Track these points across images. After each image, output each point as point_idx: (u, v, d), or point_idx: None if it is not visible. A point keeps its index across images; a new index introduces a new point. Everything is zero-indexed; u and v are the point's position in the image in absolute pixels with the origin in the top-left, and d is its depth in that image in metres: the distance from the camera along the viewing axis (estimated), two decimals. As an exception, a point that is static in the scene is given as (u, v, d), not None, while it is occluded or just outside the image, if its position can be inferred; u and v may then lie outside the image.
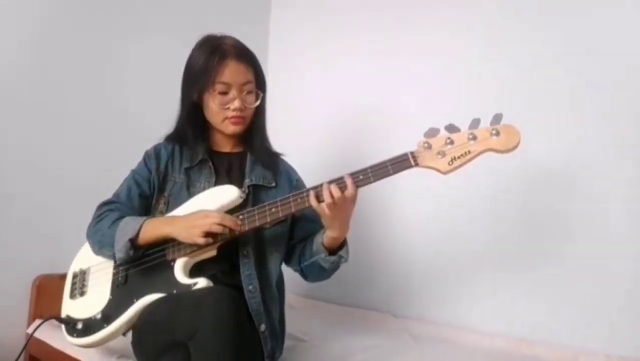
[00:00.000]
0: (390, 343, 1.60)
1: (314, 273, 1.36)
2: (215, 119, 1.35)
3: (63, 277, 1.39)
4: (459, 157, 1.11)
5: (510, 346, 1.58)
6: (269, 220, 1.22)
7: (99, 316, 1.24)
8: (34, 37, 1.76)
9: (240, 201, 1.28)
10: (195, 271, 1.25)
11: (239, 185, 1.32)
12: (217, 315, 1.04)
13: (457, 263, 1.81)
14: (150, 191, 1.38)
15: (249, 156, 1.40)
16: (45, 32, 1.78)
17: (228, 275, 1.29)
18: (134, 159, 1.43)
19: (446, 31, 1.89)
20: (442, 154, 1.12)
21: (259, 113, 1.39)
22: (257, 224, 1.22)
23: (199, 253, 1.24)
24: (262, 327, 1.27)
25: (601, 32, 1.56)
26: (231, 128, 1.35)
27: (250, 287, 1.28)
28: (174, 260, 1.24)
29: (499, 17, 1.77)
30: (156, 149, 1.42)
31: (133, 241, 1.23)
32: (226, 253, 1.28)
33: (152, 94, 1.81)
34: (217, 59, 1.29)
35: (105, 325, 1.22)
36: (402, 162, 1.15)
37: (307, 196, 1.20)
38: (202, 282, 1.18)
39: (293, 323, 1.45)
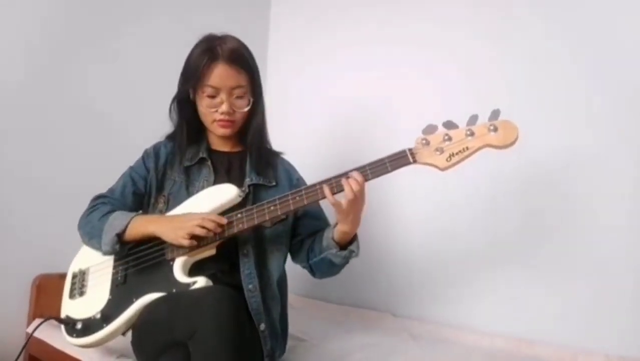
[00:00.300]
0: (389, 342, 1.60)
1: (323, 268, 1.35)
2: (205, 120, 1.36)
3: (63, 276, 1.39)
4: (457, 154, 1.11)
5: (510, 346, 1.58)
6: (267, 218, 1.22)
7: (98, 316, 1.24)
8: (24, 43, 1.76)
9: (239, 200, 1.28)
10: (194, 270, 1.25)
11: (239, 184, 1.32)
12: (216, 314, 1.04)
13: (457, 263, 1.80)
14: (145, 189, 1.39)
15: (249, 155, 1.40)
16: (34, 37, 1.78)
17: (228, 274, 1.29)
18: (133, 159, 1.44)
19: (449, 27, 1.89)
20: (440, 150, 1.12)
21: (257, 114, 1.38)
22: (256, 222, 1.22)
23: (197, 252, 1.25)
24: (262, 326, 1.27)
25: (604, 30, 1.56)
26: (220, 131, 1.35)
27: (250, 286, 1.28)
28: (173, 259, 1.24)
29: (500, 14, 1.77)
30: (156, 148, 1.43)
31: (120, 236, 1.25)
32: (226, 252, 1.28)
33: (152, 94, 1.81)
34: (206, 61, 1.29)
35: (104, 325, 1.22)
36: (400, 159, 1.16)
37: (306, 195, 1.20)
38: (201, 281, 1.18)
39: (293, 322, 1.45)
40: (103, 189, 1.42)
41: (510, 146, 1.10)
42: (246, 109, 1.35)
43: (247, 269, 1.29)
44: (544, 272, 1.62)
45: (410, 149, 1.16)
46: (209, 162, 1.38)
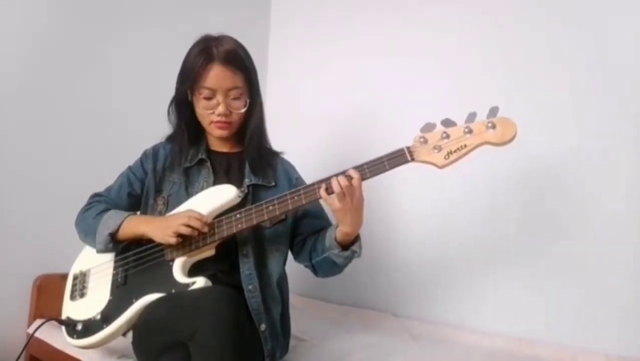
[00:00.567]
0: (390, 342, 1.60)
1: (325, 268, 1.34)
2: (203, 121, 1.36)
3: (64, 277, 1.39)
4: (455, 151, 1.10)
5: (510, 346, 1.57)
6: (266, 218, 1.22)
7: (98, 317, 1.24)
8: (22, 44, 1.76)
9: (239, 200, 1.28)
10: (194, 270, 1.26)
11: (238, 185, 1.32)
12: (216, 315, 1.04)
13: (457, 263, 1.80)
14: (141, 191, 1.41)
15: (247, 156, 1.40)
16: (34, 38, 1.78)
17: (228, 275, 1.30)
18: (134, 159, 1.45)
19: (445, 30, 1.90)
20: (439, 148, 1.12)
21: (255, 114, 1.38)
22: (255, 222, 1.22)
23: (197, 252, 1.25)
24: (262, 327, 1.27)
25: (602, 30, 1.56)
26: (217, 132, 1.36)
27: (250, 287, 1.28)
28: (172, 260, 1.25)
29: (498, 14, 1.78)
30: (154, 149, 1.44)
31: (113, 236, 1.27)
32: (226, 252, 1.29)
33: (152, 95, 1.82)
34: (202, 63, 1.28)
35: (104, 326, 1.23)
36: (398, 158, 1.15)
37: (304, 194, 1.20)
38: (200, 281, 1.19)
39: (293, 322, 1.44)
40: (102, 189, 1.44)
41: (508, 143, 1.10)
42: (243, 110, 1.34)
43: (247, 269, 1.29)
44: (544, 272, 1.62)
45: (408, 147, 1.16)
46: (208, 163, 1.38)
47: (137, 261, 1.28)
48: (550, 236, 1.62)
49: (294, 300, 1.85)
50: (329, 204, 1.18)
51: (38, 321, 1.54)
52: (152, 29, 2.07)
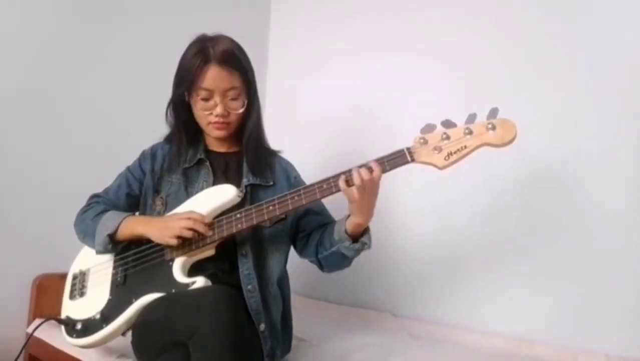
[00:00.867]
0: (389, 342, 1.60)
1: (334, 262, 1.33)
2: (201, 122, 1.36)
3: (63, 276, 1.39)
4: (455, 152, 1.10)
5: (510, 346, 1.57)
6: (266, 218, 1.22)
7: (98, 316, 1.25)
8: (22, 44, 1.76)
9: (238, 200, 1.28)
10: (194, 270, 1.25)
11: (236, 185, 1.31)
12: (216, 314, 1.04)
13: (457, 263, 1.80)
14: (139, 191, 1.41)
15: (245, 156, 1.39)
16: (33, 38, 1.78)
17: (227, 274, 1.30)
18: (133, 159, 1.45)
19: (445, 30, 1.90)
20: (439, 149, 1.12)
21: (252, 114, 1.38)
22: (255, 222, 1.22)
23: (196, 252, 1.25)
24: (262, 326, 1.27)
25: (602, 30, 1.56)
26: (215, 133, 1.35)
27: (249, 286, 1.28)
28: (172, 260, 1.24)
29: (498, 14, 1.78)
30: (153, 150, 1.43)
31: (111, 237, 1.27)
32: (225, 251, 1.29)
33: (152, 95, 1.82)
34: (199, 63, 1.27)
35: (104, 325, 1.23)
36: (398, 158, 1.15)
37: (304, 194, 1.19)
38: (200, 281, 1.19)
39: (293, 322, 1.45)
40: (102, 189, 1.44)
41: (508, 144, 1.10)
42: (241, 111, 1.34)
43: (246, 269, 1.29)
44: (544, 272, 1.62)
45: (408, 148, 1.15)
46: (208, 163, 1.38)
47: (136, 260, 1.28)
48: (550, 236, 1.62)
49: (294, 300, 1.85)
50: (348, 196, 1.17)
51: (37, 321, 1.54)
52: (152, 29, 2.07)
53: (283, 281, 1.40)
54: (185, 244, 1.24)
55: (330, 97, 2.22)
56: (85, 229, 1.34)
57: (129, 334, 1.25)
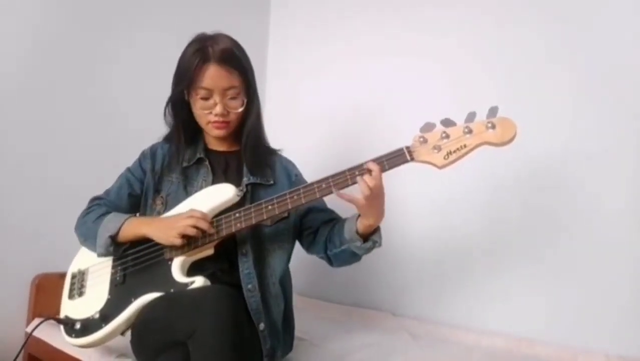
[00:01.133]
0: (389, 341, 1.60)
1: (344, 259, 1.33)
2: (200, 121, 1.36)
3: (62, 276, 1.39)
4: (454, 152, 1.10)
5: (510, 345, 1.57)
6: (265, 217, 1.22)
7: (97, 316, 1.24)
8: (22, 42, 1.76)
9: (237, 199, 1.28)
10: (194, 269, 1.25)
11: (237, 184, 1.31)
12: (215, 314, 1.04)
13: (457, 263, 1.80)
14: (141, 191, 1.40)
15: (244, 155, 1.39)
16: (33, 38, 1.78)
17: (227, 274, 1.29)
18: (133, 158, 1.44)
19: (444, 31, 1.90)
20: (438, 148, 1.12)
21: (252, 113, 1.37)
22: (254, 222, 1.22)
23: (195, 252, 1.25)
24: (261, 326, 1.27)
25: (602, 30, 1.56)
26: (215, 132, 1.35)
27: (249, 286, 1.28)
28: (171, 259, 1.24)
29: (498, 15, 1.78)
30: (152, 149, 1.43)
31: (113, 239, 1.26)
32: (225, 251, 1.28)
33: (152, 94, 1.82)
34: (198, 63, 1.27)
35: (103, 325, 1.22)
36: (397, 157, 1.15)
37: (304, 193, 1.19)
38: (199, 281, 1.18)
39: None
40: (102, 188, 1.43)
41: (508, 143, 1.09)
42: (240, 110, 1.34)
43: (246, 268, 1.29)
44: (544, 271, 1.62)
45: (407, 147, 1.15)
46: (207, 162, 1.38)
47: (135, 260, 1.28)
48: (550, 236, 1.62)
49: (294, 300, 1.85)
50: (354, 203, 1.16)
51: (36, 320, 1.54)
52: (152, 29, 2.07)
53: (285, 280, 1.40)
54: (184, 243, 1.23)
55: (330, 97, 2.21)
56: (86, 232, 1.33)
57: (128, 333, 1.24)
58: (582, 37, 1.59)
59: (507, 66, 1.73)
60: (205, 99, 1.30)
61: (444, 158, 1.11)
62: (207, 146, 1.42)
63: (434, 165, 1.13)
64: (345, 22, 2.22)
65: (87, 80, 1.90)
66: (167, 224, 1.23)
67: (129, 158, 1.44)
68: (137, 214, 1.39)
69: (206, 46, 1.28)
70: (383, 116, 2.02)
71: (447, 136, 1.11)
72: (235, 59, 1.30)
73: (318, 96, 2.28)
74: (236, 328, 1.04)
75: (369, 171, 1.14)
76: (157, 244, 1.26)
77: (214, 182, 1.35)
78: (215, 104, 1.30)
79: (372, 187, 1.12)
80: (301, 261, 1.51)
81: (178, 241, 1.21)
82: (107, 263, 1.32)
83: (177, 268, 1.23)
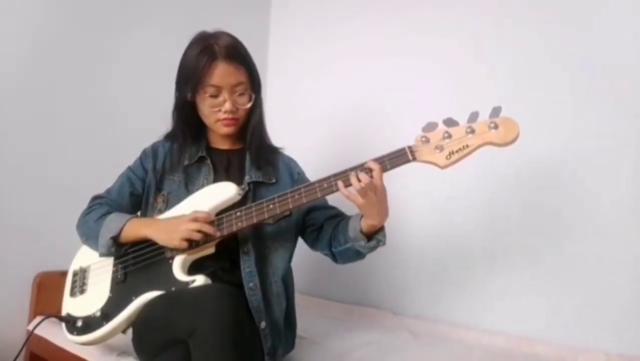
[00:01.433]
0: (390, 340, 1.60)
1: (348, 257, 1.33)
2: (208, 120, 1.35)
3: (64, 274, 1.39)
4: (457, 152, 1.09)
5: (511, 344, 1.57)
6: (267, 217, 1.22)
7: (98, 313, 1.24)
8: (22, 42, 1.76)
9: (239, 198, 1.28)
10: (195, 268, 1.25)
11: (239, 182, 1.31)
12: (216, 312, 1.04)
13: (457, 261, 1.80)
14: (142, 190, 1.40)
15: (248, 152, 1.39)
16: (33, 38, 1.78)
17: (228, 272, 1.29)
18: (134, 157, 1.44)
19: (445, 31, 1.90)
20: (440, 148, 1.11)
21: (255, 111, 1.37)
22: (255, 221, 1.22)
23: (197, 250, 1.25)
24: (263, 324, 1.27)
25: (602, 30, 1.56)
26: (224, 130, 1.34)
27: (250, 284, 1.28)
28: (172, 258, 1.24)
29: (497, 14, 1.77)
30: (154, 148, 1.43)
31: (115, 239, 1.27)
32: (226, 249, 1.28)
33: (153, 94, 1.82)
34: (206, 61, 1.27)
35: (104, 323, 1.23)
36: (399, 157, 1.15)
37: (305, 193, 1.19)
38: (200, 279, 1.19)
39: (294, 320, 1.45)
40: (103, 187, 1.43)
41: (511, 143, 1.09)
42: (249, 105, 1.34)
43: (247, 267, 1.29)
44: (544, 270, 1.62)
45: (410, 147, 1.15)
46: (209, 161, 1.38)
47: (136, 258, 1.28)
48: (551, 235, 1.62)
49: (295, 298, 1.86)
50: (352, 201, 1.15)
51: (38, 318, 1.54)
52: (152, 29, 2.07)
53: (287, 278, 1.39)
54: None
55: (330, 97, 2.21)
56: (88, 232, 1.33)
57: (130, 331, 1.25)
58: (583, 37, 1.59)
59: (508, 66, 1.73)
60: (214, 96, 1.30)
61: (447, 158, 1.10)
62: (209, 144, 1.42)
63: (437, 165, 1.12)
64: (345, 22, 2.22)
65: (88, 80, 1.90)
66: (170, 227, 1.23)
67: (130, 157, 1.44)
68: (139, 214, 1.39)
69: (211, 44, 1.28)
70: (383, 115, 2.02)
71: (450, 136, 1.11)
72: (241, 55, 1.31)
73: (318, 95, 2.27)
74: (237, 327, 1.04)
75: (370, 171, 1.14)
76: (149, 243, 1.26)
77: (215, 180, 1.35)
78: (225, 101, 1.30)
79: (365, 183, 1.11)
80: (302, 259, 1.51)
81: (184, 245, 1.21)
82: (108, 261, 1.32)
83: (178, 266, 1.23)
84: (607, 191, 1.53)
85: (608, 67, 1.54)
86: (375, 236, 1.25)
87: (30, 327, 1.58)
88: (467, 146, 1.10)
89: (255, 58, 1.37)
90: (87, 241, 1.35)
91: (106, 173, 1.44)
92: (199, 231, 1.20)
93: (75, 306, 1.30)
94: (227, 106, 1.30)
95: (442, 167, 1.12)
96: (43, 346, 1.54)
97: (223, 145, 1.42)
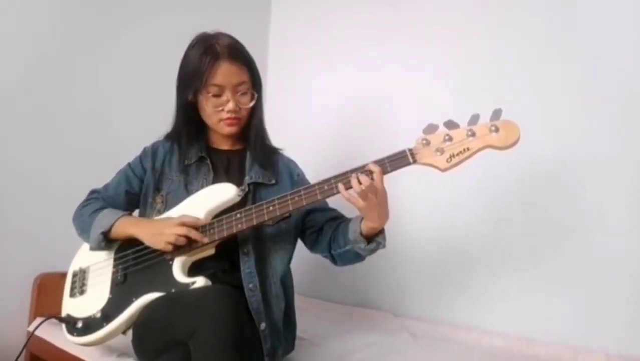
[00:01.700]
0: (390, 341, 1.60)
1: (347, 259, 1.33)
2: (210, 120, 1.35)
3: (64, 275, 1.39)
4: (457, 155, 1.09)
5: (510, 345, 1.57)
6: (266, 218, 1.22)
7: (98, 315, 1.24)
8: (21, 46, 1.76)
9: (238, 199, 1.28)
10: (195, 269, 1.25)
11: (239, 183, 1.31)
12: (216, 314, 1.04)
13: (458, 263, 1.80)
14: (139, 188, 1.40)
15: (251, 152, 1.39)
16: (33, 38, 1.78)
17: (229, 274, 1.29)
18: (129, 158, 1.45)
19: (447, 28, 1.89)
20: (441, 151, 1.11)
21: (256, 111, 1.38)
22: (255, 222, 1.22)
23: (196, 252, 1.25)
24: (263, 326, 1.27)
25: (605, 32, 1.55)
26: (227, 130, 1.34)
27: (250, 285, 1.28)
28: (172, 259, 1.24)
29: (501, 14, 1.77)
30: (154, 147, 1.43)
31: (105, 235, 1.28)
32: (227, 251, 1.28)
33: (152, 94, 1.82)
34: (209, 61, 1.27)
35: (104, 324, 1.23)
36: (400, 160, 1.14)
37: (305, 195, 1.19)
38: (200, 281, 1.19)
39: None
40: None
41: (511, 147, 1.09)
42: (251, 105, 1.34)
43: (247, 268, 1.29)
44: (544, 272, 1.62)
45: (410, 150, 1.14)
46: (208, 161, 1.37)
47: (136, 259, 1.28)
48: (551, 237, 1.62)
49: (295, 300, 1.85)
50: (352, 204, 1.15)
51: (38, 320, 1.55)
52: (152, 29, 2.06)
53: (287, 279, 1.39)
54: (175, 249, 1.23)
55: (330, 98, 2.21)
56: (82, 224, 1.35)
57: (130, 333, 1.25)
58: (588, 40, 1.58)
59: (511, 67, 1.72)
60: (217, 96, 1.30)
61: (447, 161, 1.10)
62: (209, 144, 1.42)
63: (437, 168, 1.12)
64: (346, 22, 2.21)
65: (86, 85, 1.90)
66: (156, 229, 1.23)
67: (128, 158, 1.45)
68: (134, 213, 1.40)
69: (213, 44, 1.29)
70: (383, 115, 2.01)
71: (450, 139, 1.10)
72: (242, 54, 1.32)
73: (319, 96, 2.27)
74: (237, 328, 1.04)
75: (370, 173, 1.13)
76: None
77: (215, 181, 1.35)
78: (228, 101, 1.30)
79: (365, 185, 1.11)
80: (302, 261, 1.50)
81: (168, 248, 1.21)
82: (108, 261, 1.32)
83: (178, 268, 1.23)
84: (606, 193, 1.52)
85: (610, 70, 1.53)
86: (375, 238, 1.24)
87: (31, 328, 1.58)
88: (468, 149, 1.10)
89: (256, 58, 1.37)
90: (81, 234, 1.36)
91: (105, 175, 1.45)
92: (185, 237, 1.20)
93: (75, 307, 1.30)
94: (231, 105, 1.30)
95: (443, 171, 1.12)
96: (43, 348, 1.54)
97: (223, 146, 1.42)
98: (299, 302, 2.01)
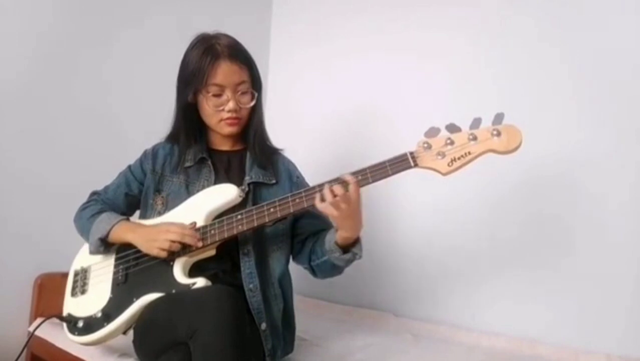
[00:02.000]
0: (390, 342, 1.60)
1: (325, 270, 1.34)
2: (211, 120, 1.35)
3: (65, 275, 1.39)
4: (459, 158, 1.09)
5: (512, 346, 1.58)
6: (267, 220, 1.21)
7: (99, 314, 1.25)
8: (22, 47, 1.75)
9: (239, 200, 1.28)
10: (196, 270, 1.25)
11: (239, 183, 1.31)
12: (217, 314, 1.04)
13: (459, 263, 1.80)
14: (138, 191, 1.41)
15: (248, 153, 1.39)
16: (34, 39, 1.77)
17: (229, 274, 1.29)
18: (134, 158, 1.44)
19: (448, 30, 1.88)
20: (442, 154, 1.11)
21: (256, 111, 1.38)
22: (255, 224, 1.22)
23: (197, 252, 1.25)
24: (263, 326, 1.27)
25: (606, 33, 1.55)
26: (227, 129, 1.34)
27: (250, 286, 1.28)
28: (172, 260, 1.24)
29: (501, 17, 1.76)
30: (154, 149, 1.43)
31: (103, 240, 1.29)
32: (227, 251, 1.28)
33: (152, 94, 1.81)
34: (209, 60, 1.27)
35: (105, 324, 1.23)
36: (401, 163, 1.14)
37: (305, 197, 1.19)
38: (200, 282, 1.19)
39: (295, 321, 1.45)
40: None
41: (513, 151, 1.09)
42: (251, 104, 1.34)
43: (247, 268, 1.29)
44: (545, 272, 1.62)
45: (411, 153, 1.14)
46: (209, 162, 1.37)
47: (137, 259, 1.28)
48: (552, 237, 1.62)
49: (296, 300, 1.86)
50: (327, 213, 1.16)
51: (39, 320, 1.55)
52: (152, 30, 2.06)
53: (284, 280, 1.39)
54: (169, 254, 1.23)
55: (331, 99, 2.21)
56: (82, 227, 1.36)
57: (131, 333, 1.25)
58: (588, 42, 1.58)
59: (512, 68, 1.72)
60: (218, 96, 1.30)
61: (448, 165, 1.10)
62: (209, 145, 1.42)
63: (438, 172, 1.12)
64: (346, 22, 2.21)
65: (86, 86, 1.89)
66: (150, 235, 1.23)
67: (128, 160, 1.44)
68: (135, 214, 1.40)
69: (213, 44, 1.29)
70: (384, 116, 2.01)
71: (452, 143, 1.10)
72: (242, 54, 1.32)
73: (319, 97, 2.27)
74: (237, 328, 1.04)
75: (344, 184, 1.13)
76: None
77: (216, 182, 1.34)
78: (228, 100, 1.30)
79: (339, 196, 1.11)
80: (303, 261, 1.50)
81: (162, 254, 1.21)
82: (109, 261, 1.32)
83: (178, 268, 1.23)
84: (609, 195, 1.52)
85: (611, 72, 1.53)
86: (351, 249, 1.25)
87: (31, 328, 1.58)
88: (469, 153, 1.09)
89: (257, 60, 1.37)
90: (81, 235, 1.38)
91: (105, 176, 1.45)
92: (179, 242, 1.20)
93: (76, 306, 1.30)
94: (231, 105, 1.30)
95: (444, 174, 1.12)
96: (44, 348, 1.54)
97: (223, 146, 1.42)
98: (299, 302, 2.02)
